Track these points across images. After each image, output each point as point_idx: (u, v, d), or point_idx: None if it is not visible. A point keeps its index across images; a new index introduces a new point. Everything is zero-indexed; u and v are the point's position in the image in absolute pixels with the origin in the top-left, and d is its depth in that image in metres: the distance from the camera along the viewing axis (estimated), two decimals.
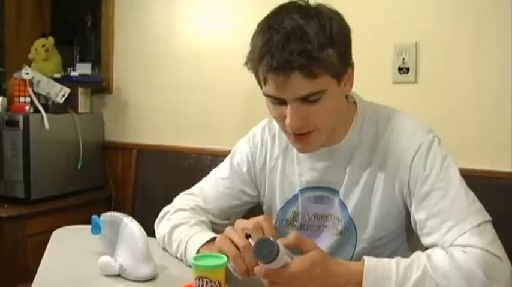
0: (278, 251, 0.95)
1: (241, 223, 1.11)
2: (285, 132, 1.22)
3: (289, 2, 1.16)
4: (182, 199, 1.45)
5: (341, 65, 1.13)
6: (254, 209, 1.46)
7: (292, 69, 1.06)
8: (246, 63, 1.16)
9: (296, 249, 1.04)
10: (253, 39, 1.15)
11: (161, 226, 1.40)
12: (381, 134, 1.24)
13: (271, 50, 1.07)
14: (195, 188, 1.47)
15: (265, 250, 0.95)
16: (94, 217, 1.31)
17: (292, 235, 1.03)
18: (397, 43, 2.11)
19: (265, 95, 1.16)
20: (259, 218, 1.09)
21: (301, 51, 1.05)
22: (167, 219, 1.39)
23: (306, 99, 1.11)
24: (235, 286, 1.09)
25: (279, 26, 1.08)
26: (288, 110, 1.12)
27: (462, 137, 1.95)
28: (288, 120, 1.13)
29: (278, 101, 1.14)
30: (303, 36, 1.07)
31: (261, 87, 1.17)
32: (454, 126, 1.98)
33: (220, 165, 1.48)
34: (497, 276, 1.02)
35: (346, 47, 1.16)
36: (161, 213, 1.44)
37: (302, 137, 1.18)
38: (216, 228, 1.38)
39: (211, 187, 1.44)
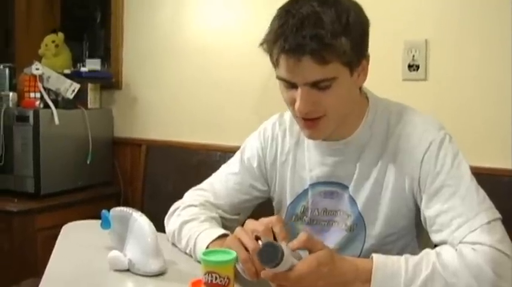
0: (282, 255, 0.94)
1: (251, 224, 1.11)
2: (295, 118, 1.23)
3: None
4: (192, 195, 1.46)
5: (354, 55, 1.13)
6: (264, 204, 1.47)
7: (304, 53, 1.08)
8: (262, 44, 1.18)
9: (307, 249, 1.04)
10: (271, 23, 1.16)
11: (171, 222, 1.41)
12: (392, 130, 1.24)
13: (285, 33, 1.09)
14: (205, 184, 1.47)
15: (270, 255, 0.95)
16: (104, 211, 1.32)
17: (303, 236, 1.03)
18: (407, 40, 2.11)
19: (278, 77, 1.18)
20: (272, 219, 1.09)
21: (314, 35, 1.07)
22: (177, 215, 1.39)
23: (316, 85, 1.12)
24: (244, 282, 1.09)
25: (296, 11, 1.10)
26: (298, 94, 1.13)
27: (471, 134, 1.95)
28: (297, 104, 1.14)
29: (290, 85, 1.15)
30: (317, 22, 1.08)
31: (275, 69, 1.18)
32: (464, 124, 1.97)
33: (230, 160, 1.48)
34: (506, 274, 1.02)
35: (363, 38, 1.16)
36: (171, 209, 1.44)
37: (312, 123, 1.18)
38: (226, 223, 1.38)
39: (222, 183, 1.44)
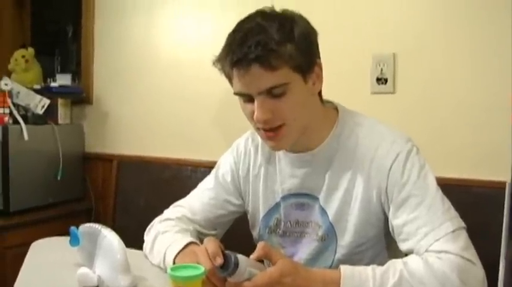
0: (236, 263, 0.96)
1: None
2: (258, 132, 1.25)
3: (256, 10, 1.22)
4: (171, 210, 1.48)
5: (303, 60, 1.17)
6: (241, 219, 1.49)
7: (251, 62, 1.12)
8: (214, 64, 1.23)
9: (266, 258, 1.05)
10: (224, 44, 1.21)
11: (147, 237, 1.42)
12: (361, 142, 1.26)
13: (232, 48, 1.14)
14: (183, 201, 1.50)
15: (225, 264, 0.98)
16: (72, 228, 1.31)
17: (260, 246, 1.05)
18: (375, 54, 2.13)
19: (235, 93, 1.21)
20: (204, 243, 1.10)
21: (257, 43, 1.11)
22: (154, 228, 1.41)
23: (270, 93, 1.15)
24: None
25: (241, 28, 1.16)
26: (255, 104, 1.17)
27: (438, 146, 1.97)
28: (255, 114, 1.17)
29: (247, 98, 1.19)
30: (261, 32, 1.13)
31: (232, 86, 1.22)
32: (431, 136, 2.00)
33: (207, 178, 1.51)
34: (471, 280, 1.04)
35: (310, 46, 1.21)
36: (150, 224, 1.46)
37: (273, 134, 1.21)
38: (203, 238, 1.38)
39: (198, 199, 1.46)
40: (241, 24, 1.19)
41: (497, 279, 1.26)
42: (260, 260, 1.06)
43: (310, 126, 1.25)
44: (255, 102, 1.16)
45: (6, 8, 3.23)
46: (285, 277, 1.00)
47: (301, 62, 1.17)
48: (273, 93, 1.15)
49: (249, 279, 0.99)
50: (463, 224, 1.14)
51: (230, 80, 1.21)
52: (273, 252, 1.05)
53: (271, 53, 1.11)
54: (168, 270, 1.00)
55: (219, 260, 0.99)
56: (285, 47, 1.13)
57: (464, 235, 1.11)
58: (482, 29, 1.94)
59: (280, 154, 1.36)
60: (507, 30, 1.87)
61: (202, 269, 1.00)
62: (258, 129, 1.23)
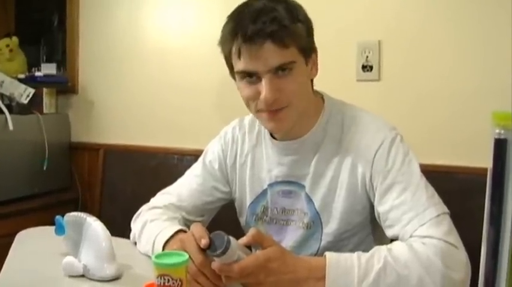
0: (228, 244, 0.96)
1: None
2: (258, 113, 1.25)
3: None
4: (158, 198, 1.48)
5: (307, 43, 1.21)
6: (227, 206, 1.49)
7: (265, 37, 1.13)
8: (219, 44, 1.22)
9: (258, 246, 1.05)
10: (224, 27, 1.21)
11: (135, 224, 1.42)
12: (346, 130, 1.28)
13: (244, 26, 1.14)
14: (170, 187, 1.50)
15: (216, 244, 0.98)
16: (58, 217, 1.30)
17: (252, 231, 1.05)
18: (361, 41, 2.14)
19: (238, 72, 1.21)
20: (191, 229, 1.10)
21: (273, 19, 1.13)
22: (142, 216, 1.41)
23: (277, 72, 1.16)
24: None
25: (249, 7, 1.17)
26: (262, 84, 1.17)
27: (423, 133, 1.99)
28: (263, 94, 1.17)
29: (251, 78, 1.19)
30: (273, 10, 1.15)
31: (232, 72, 1.24)
32: (416, 123, 2.01)
33: (194, 165, 1.51)
34: (454, 264, 1.05)
35: (311, 33, 1.23)
36: (137, 212, 1.46)
37: (275, 114, 1.21)
38: (190, 225, 1.39)
39: (185, 185, 1.47)
40: (248, 4, 1.19)
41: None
42: (247, 247, 1.06)
43: (304, 113, 1.26)
44: (263, 81, 1.17)
45: None
46: (271, 263, 1.00)
47: (306, 43, 1.20)
48: (280, 72, 1.17)
49: (236, 262, 0.99)
50: (446, 209, 1.15)
51: (237, 56, 1.18)
52: (264, 239, 1.05)
53: (284, 29, 1.14)
54: (152, 257, 1.00)
55: (204, 241, 1.00)
56: (296, 25, 1.16)
57: (447, 220, 1.13)
58: (466, 17, 1.95)
59: (267, 142, 1.37)
60: (491, 17, 1.88)
61: (186, 256, 1.00)
62: (258, 111, 1.23)
